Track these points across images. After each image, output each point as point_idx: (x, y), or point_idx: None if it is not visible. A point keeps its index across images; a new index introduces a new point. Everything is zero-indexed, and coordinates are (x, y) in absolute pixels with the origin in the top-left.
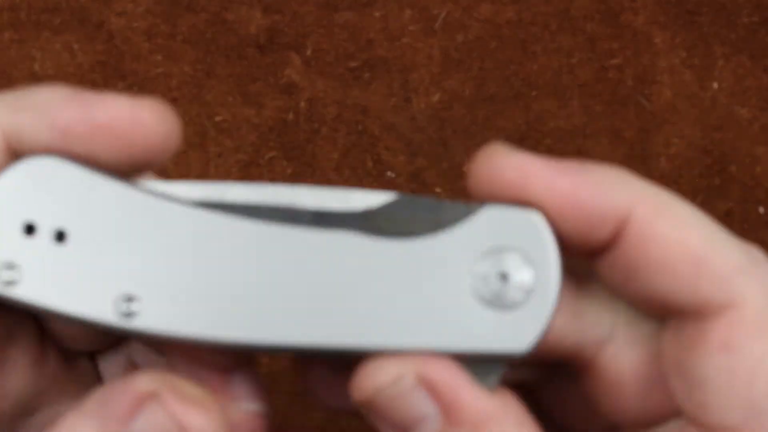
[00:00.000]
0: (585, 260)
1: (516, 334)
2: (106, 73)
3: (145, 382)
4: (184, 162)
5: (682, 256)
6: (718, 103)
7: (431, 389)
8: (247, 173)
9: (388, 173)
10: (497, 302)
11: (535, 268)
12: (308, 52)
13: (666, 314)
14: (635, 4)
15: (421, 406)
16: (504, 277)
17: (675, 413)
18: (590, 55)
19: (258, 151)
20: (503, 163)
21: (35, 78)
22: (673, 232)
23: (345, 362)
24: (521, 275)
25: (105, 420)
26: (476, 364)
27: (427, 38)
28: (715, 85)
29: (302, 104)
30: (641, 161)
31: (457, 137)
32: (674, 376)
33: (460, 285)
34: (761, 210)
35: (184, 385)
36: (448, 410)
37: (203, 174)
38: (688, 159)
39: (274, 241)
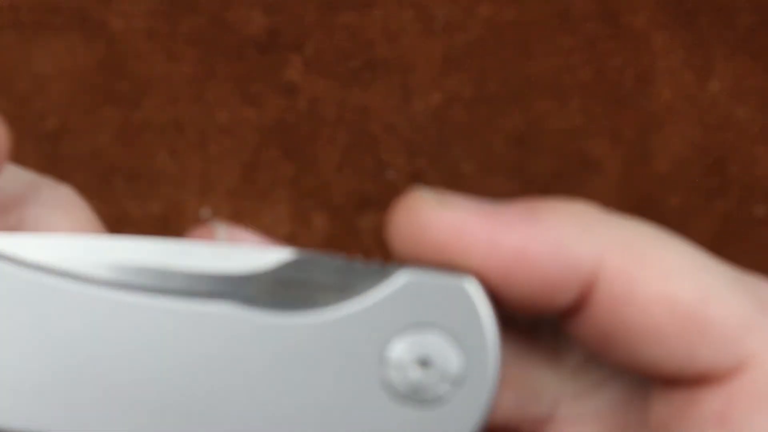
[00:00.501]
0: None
1: None
2: (106, 73)
3: None
4: (184, 162)
5: (670, 315)
6: (717, 103)
7: None
8: (248, 173)
9: (388, 173)
10: (415, 396)
11: (465, 351)
12: (308, 53)
13: (655, 381)
14: (635, 4)
15: None
16: (424, 363)
17: None
18: (590, 55)
19: (258, 152)
20: (431, 218)
21: (35, 78)
22: (656, 285)
23: None
24: (447, 361)
25: None
26: None
27: (427, 39)
28: (715, 85)
29: (302, 104)
30: (641, 161)
31: (457, 137)
32: None
33: (368, 374)
34: (761, 210)
35: None
36: None
37: (204, 174)
38: (688, 159)
39: (130, 315)
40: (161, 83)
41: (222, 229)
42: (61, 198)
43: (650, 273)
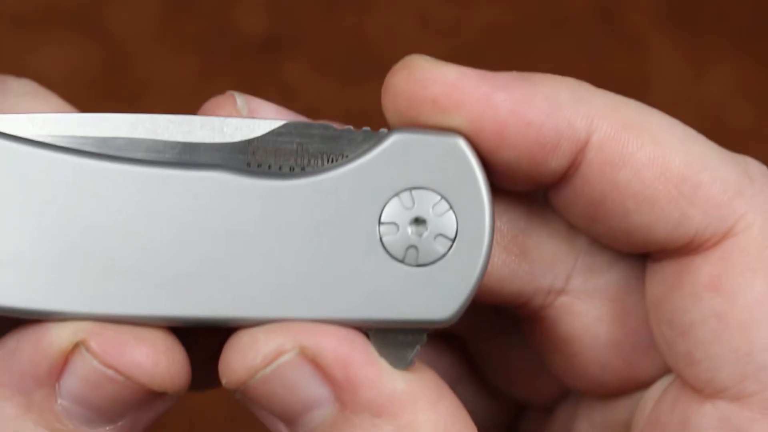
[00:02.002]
0: (536, 191)
1: (435, 297)
2: (106, 73)
3: (63, 336)
4: None
5: (662, 178)
6: (716, 104)
7: (320, 367)
8: None
9: None
10: (411, 256)
11: (459, 210)
12: (309, 53)
13: (644, 251)
14: (634, 4)
15: (308, 388)
16: (419, 222)
17: (649, 382)
18: (589, 56)
19: None
20: (426, 76)
21: (36, 78)
22: (648, 150)
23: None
24: (442, 220)
25: (24, 389)
26: (386, 334)
27: (427, 39)
28: (714, 85)
29: (302, 105)
30: None
31: None
32: (656, 324)
33: (364, 236)
34: None
35: (111, 329)
36: (342, 393)
37: None
38: None
39: (126, 184)
40: (161, 83)
41: (240, 97)
42: (27, 86)
43: (641, 138)
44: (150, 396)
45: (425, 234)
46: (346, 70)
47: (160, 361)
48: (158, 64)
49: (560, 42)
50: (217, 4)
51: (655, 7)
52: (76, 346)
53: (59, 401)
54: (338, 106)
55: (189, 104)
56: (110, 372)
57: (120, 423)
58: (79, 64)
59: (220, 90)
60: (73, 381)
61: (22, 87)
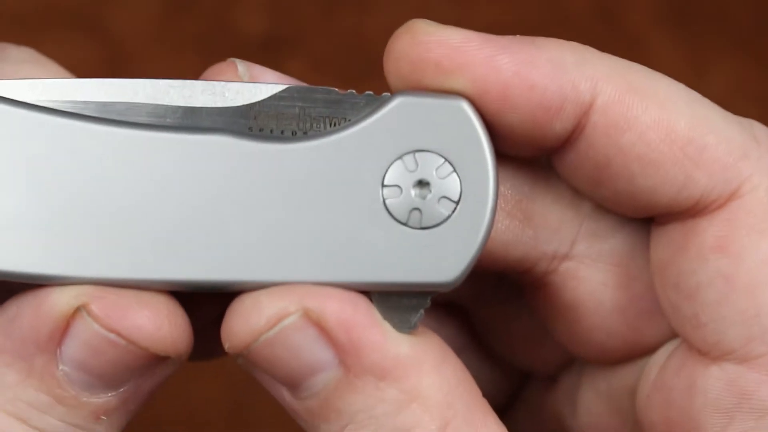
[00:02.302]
0: (540, 157)
1: (439, 259)
2: (106, 73)
3: (64, 300)
4: None
5: (667, 141)
6: (717, 104)
7: (324, 329)
8: None
9: None
10: (414, 219)
11: (462, 173)
12: (309, 53)
13: (649, 214)
14: (634, 4)
15: (312, 351)
16: (423, 185)
17: (654, 348)
18: None
19: None
20: (429, 39)
21: None
22: (652, 112)
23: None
24: (445, 183)
25: (24, 355)
26: (389, 297)
27: None
28: (714, 85)
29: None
30: None
31: None
32: (662, 288)
33: (367, 198)
34: None
35: (113, 292)
36: (346, 356)
37: None
38: None
39: (127, 148)
40: None
41: (242, 65)
42: (27, 54)
43: (646, 101)
44: (152, 361)
45: (429, 196)
46: (346, 70)
47: (162, 325)
48: (158, 64)
49: None
50: (217, 4)
51: (655, 7)
52: (77, 310)
53: (60, 367)
54: None
55: None
56: (112, 336)
57: (122, 389)
58: (79, 64)
59: None
60: (74, 346)
61: (21, 54)
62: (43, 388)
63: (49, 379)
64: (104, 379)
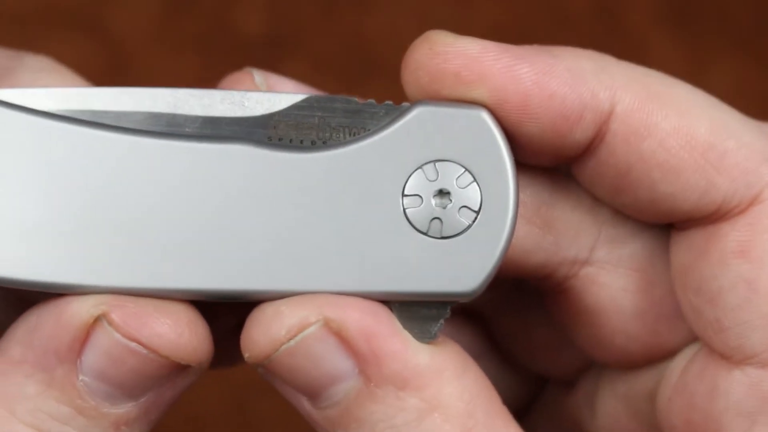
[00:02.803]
0: (560, 165)
1: (460, 269)
2: (106, 73)
3: (84, 310)
4: None
5: (688, 147)
6: None
7: (345, 339)
8: None
9: None
10: (435, 228)
11: (483, 182)
12: (308, 54)
13: (670, 221)
14: (634, 4)
15: (333, 361)
16: (443, 195)
17: (674, 352)
18: None
19: None
20: (447, 50)
21: None
22: (672, 119)
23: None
24: (466, 192)
25: (45, 365)
26: (409, 307)
27: None
28: (714, 85)
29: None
30: None
31: None
32: (683, 292)
33: (387, 208)
34: None
35: (133, 301)
36: (366, 365)
37: None
38: None
39: (147, 157)
40: (161, 83)
41: (258, 74)
42: (44, 63)
43: (665, 108)
44: (173, 370)
45: (449, 206)
46: (346, 70)
47: (183, 333)
48: (158, 64)
49: (560, 42)
50: (217, 4)
51: (655, 7)
52: (98, 319)
53: (81, 377)
54: None
55: None
56: (132, 345)
57: (142, 399)
58: (79, 64)
59: None
60: (94, 356)
61: (38, 62)
62: (63, 399)
63: (70, 390)
64: (125, 389)
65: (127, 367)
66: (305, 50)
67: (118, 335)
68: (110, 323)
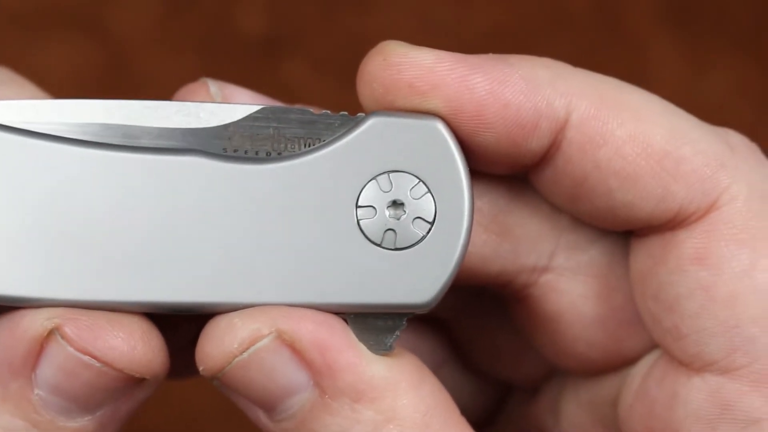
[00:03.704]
0: (517, 173)
1: (414, 281)
2: (106, 73)
3: (37, 323)
4: None
5: (643, 155)
6: (717, 104)
7: (298, 351)
8: None
9: None
10: (389, 239)
11: (437, 193)
12: (308, 54)
13: (628, 228)
14: (634, 4)
15: (286, 374)
16: (397, 206)
17: (636, 358)
18: (589, 55)
19: None
20: (401, 60)
21: (35, 78)
22: (628, 126)
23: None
24: (420, 203)
25: (0, 381)
26: (365, 319)
27: (426, 40)
28: (715, 85)
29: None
30: None
31: None
32: (642, 299)
33: (341, 219)
34: None
35: (86, 314)
36: (321, 378)
37: None
38: None
39: (100, 169)
40: (161, 83)
41: (213, 84)
42: (3, 75)
43: (621, 115)
44: (128, 383)
45: (403, 217)
46: (346, 70)
47: (136, 346)
48: (158, 64)
49: (560, 42)
50: (218, 4)
51: (655, 7)
52: (51, 332)
53: (36, 391)
54: (338, 106)
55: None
56: (86, 358)
57: (98, 413)
58: (80, 64)
59: None
60: (49, 369)
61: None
62: (18, 413)
63: (25, 404)
64: (80, 402)
65: (82, 381)
66: (305, 50)
67: (71, 349)
68: (63, 336)
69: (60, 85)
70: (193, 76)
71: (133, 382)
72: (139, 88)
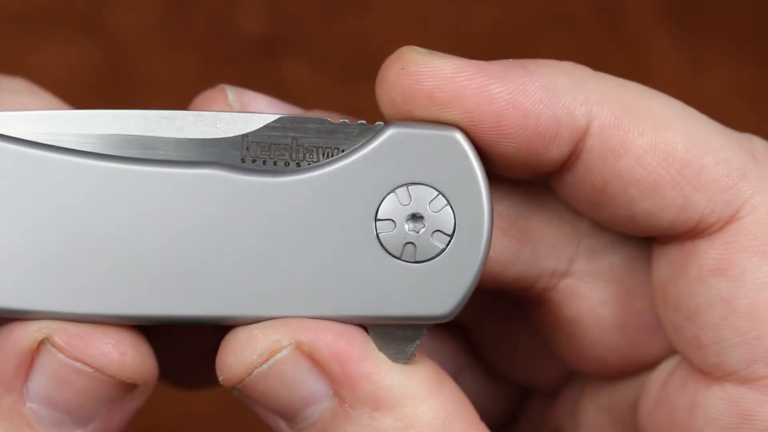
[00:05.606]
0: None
1: (434, 293)
2: (106, 73)
3: (28, 335)
4: None
5: (665, 164)
6: (717, 104)
7: (317, 362)
8: None
9: None
10: (408, 253)
11: (456, 206)
12: (308, 54)
13: (649, 235)
14: (634, 4)
15: (306, 384)
16: (416, 219)
17: (655, 363)
18: (589, 55)
19: None
20: (420, 69)
21: (35, 78)
22: (649, 135)
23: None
24: (439, 216)
25: None
26: (384, 330)
27: (426, 40)
28: (715, 85)
29: (303, 106)
30: None
31: None
32: (663, 307)
33: (360, 232)
34: None
35: (75, 324)
36: (340, 387)
37: None
38: None
39: (116, 183)
40: (162, 83)
41: (231, 91)
42: (20, 84)
43: (642, 123)
44: (120, 389)
45: (422, 230)
46: (346, 70)
47: (126, 352)
48: (158, 64)
49: (560, 42)
50: (218, 4)
51: (655, 7)
52: (41, 343)
53: (28, 404)
54: (338, 106)
55: (189, 104)
56: (78, 365)
57: (91, 426)
58: (80, 64)
59: None
60: (41, 380)
61: (14, 85)
62: (11, 428)
63: (18, 419)
64: (72, 413)
65: (74, 389)
66: (305, 50)
67: (62, 356)
68: (54, 345)
69: (60, 85)
70: (193, 76)
71: (124, 388)
72: (139, 88)
